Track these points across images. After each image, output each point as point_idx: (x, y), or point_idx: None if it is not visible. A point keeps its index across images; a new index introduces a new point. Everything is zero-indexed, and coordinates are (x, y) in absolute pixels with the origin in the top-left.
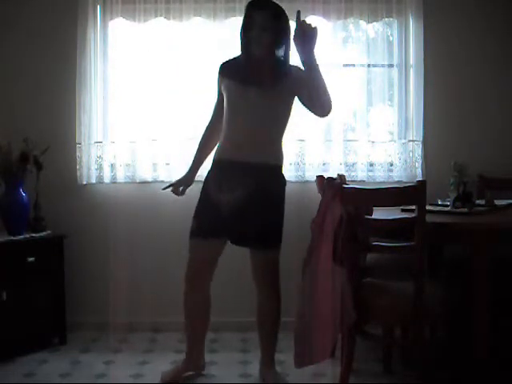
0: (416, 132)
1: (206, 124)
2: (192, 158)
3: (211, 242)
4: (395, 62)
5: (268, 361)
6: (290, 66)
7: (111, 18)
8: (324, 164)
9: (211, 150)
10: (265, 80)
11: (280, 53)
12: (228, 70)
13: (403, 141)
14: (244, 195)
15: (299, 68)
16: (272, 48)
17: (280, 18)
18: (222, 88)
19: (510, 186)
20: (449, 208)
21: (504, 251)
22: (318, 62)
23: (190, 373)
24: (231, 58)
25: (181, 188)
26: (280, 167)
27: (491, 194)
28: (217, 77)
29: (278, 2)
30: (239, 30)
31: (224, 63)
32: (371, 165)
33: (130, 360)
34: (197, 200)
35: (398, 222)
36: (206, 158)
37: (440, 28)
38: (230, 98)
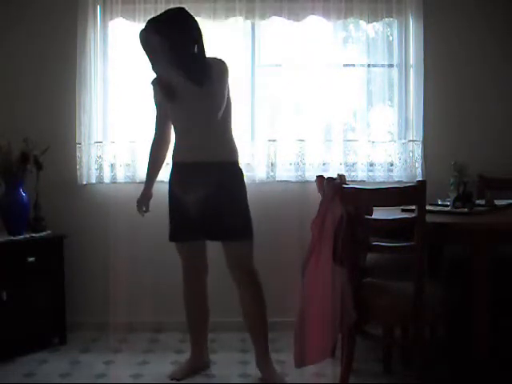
0: (416, 132)
1: (153, 139)
2: (146, 173)
3: (189, 244)
4: (395, 61)
5: (264, 358)
6: (209, 58)
7: (111, 18)
8: (324, 164)
9: (162, 163)
10: (192, 80)
11: (193, 50)
12: (160, 83)
13: (403, 141)
14: (205, 194)
15: (220, 60)
16: (181, 53)
17: (169, 28)
18: (161, 100)
19: (510, 186)
20: (449, 208)
21: (504, 251)
22: None
23: (197, 370)
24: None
25: (144, 207)
26: (236, 163)
27: (491, 194)
28: (152, 92)
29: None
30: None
31: (154, 80)
32: (371, 165)
33: (130, 360)
34: None
35: (398, 222)
36: (158, 172)
37: (440, 28)
38: (172, 107)
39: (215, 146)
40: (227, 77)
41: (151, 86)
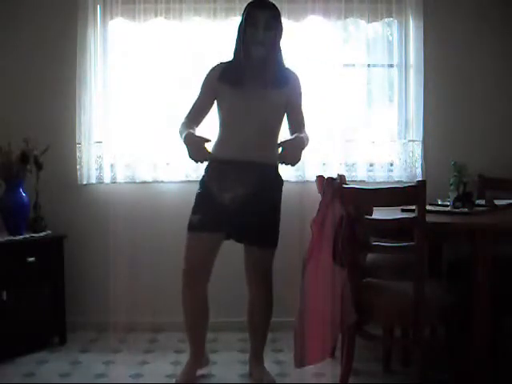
0: (416, 132)
1: (183, 120)
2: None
3: (209, 235)
4: (395, 62)
5: (257, 357)
6: (286, 68)
7: (111, 18)
8: (324, 164)
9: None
10: (267, 80)
11: (280, 51)
12: (225, 74)
13: (403, 141)
14: (246, 193)
15: (295, 73)
16: (275, 48)
17: (279, 18)
18: (216, 91)
19: (510, 186)
20: (449, 208)
21: (504, 251)
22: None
23: (199, 370)
24: (223, 61)
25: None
26: (277, 167)
27: (491, 194)
28: (208, 79)
29: (276, 3)
30: (237, 32)
31: (217, 67)
32: (371, 165)
33: (130, 360)
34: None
35: (398, 222)
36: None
37: (440, 28)
38: (231, 100)
39: (264, 147)
40: (299, 89)
41: (211, 70)
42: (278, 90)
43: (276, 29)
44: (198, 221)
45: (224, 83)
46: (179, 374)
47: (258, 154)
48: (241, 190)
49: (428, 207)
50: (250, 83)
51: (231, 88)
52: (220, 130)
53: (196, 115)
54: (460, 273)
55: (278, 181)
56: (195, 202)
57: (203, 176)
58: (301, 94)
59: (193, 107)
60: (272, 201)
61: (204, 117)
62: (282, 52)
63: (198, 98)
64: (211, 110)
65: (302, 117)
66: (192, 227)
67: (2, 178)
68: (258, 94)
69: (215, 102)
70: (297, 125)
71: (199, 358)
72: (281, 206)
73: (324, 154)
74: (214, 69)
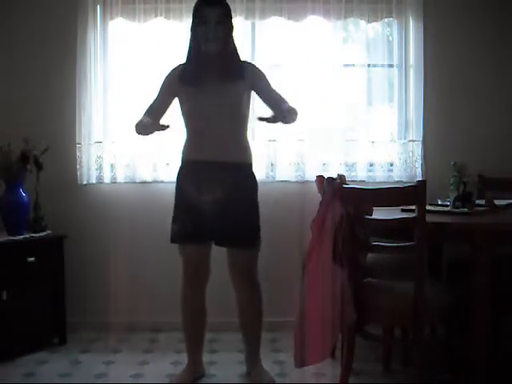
0: (416, 132)
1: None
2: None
3: (192, 247)
4: (395, 62)
5: (255, 357)
6: (243, 60)
7: (111, 18)
8: (324, 164)
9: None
10: (225, 76)
11: (233, 43)
12: (184, 75)
13: (403, 141)
14: (219, 195)
15: (251, 63)
16: (228, 42)
17: (229, 11)
18: (178, 92)
19: (510, 186)
20: (449, 208)
21: (504, 251)
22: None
23: (195, 379)
24: (180, 64)
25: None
26: (250, 165)
27: (491, 194)
28: (168, 79)
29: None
30: (190, 32)
31: (178, 67)
32: (371, 165)
33: (130, 360)
34: None
35: (398, 222)
36: None
37: (440, 28)
38: (192, 100)
39: (233, 146)
40: (260, 74)
41: (172, 71)
42: (239, 83)
43: (226, 22)
44: (176, 232)
45: (185, 84)
46: (173, 379)
47: (228, 154)
48: (215, 192)
49: (428, 207)
50: (210, 81)
51: (192, 88)
52: (187, 132)
53: (155, 116)
54: (460, 273)
55: (253, 180)
56: (174, 212)
57: (177, 180)
58: (264, 77)
59: (150, 108)
60: (248, 201)
61: (162, 117)
62: (237, 46)
63: (156, 99)
64: (168, 111)
65: (278, 94)
66: (174, 240)
67: (2, 177)
68: (219, 91)
69: (178, 104)
70: (277, 101)
71: (195, 364)
72: (258, 204)
73: (324, 153)
74: (174, 69)
